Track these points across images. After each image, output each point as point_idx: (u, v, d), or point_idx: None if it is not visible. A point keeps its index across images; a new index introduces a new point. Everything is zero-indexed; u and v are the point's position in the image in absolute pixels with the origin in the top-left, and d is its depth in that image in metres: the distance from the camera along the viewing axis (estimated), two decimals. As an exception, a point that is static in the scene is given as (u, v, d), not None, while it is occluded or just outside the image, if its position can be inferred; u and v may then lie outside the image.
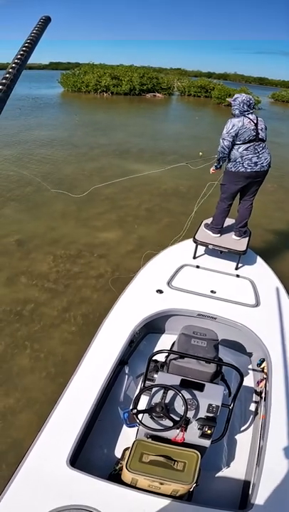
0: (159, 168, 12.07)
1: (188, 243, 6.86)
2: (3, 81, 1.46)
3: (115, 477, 3.46)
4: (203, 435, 3.57)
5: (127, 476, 3.28)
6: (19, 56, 1.64)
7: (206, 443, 3.58)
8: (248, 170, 6.28)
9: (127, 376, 4.92)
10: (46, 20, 1.93)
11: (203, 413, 3.69)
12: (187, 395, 3.76)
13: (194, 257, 6.67)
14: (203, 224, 7.25)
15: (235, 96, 6.30)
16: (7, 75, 1.49)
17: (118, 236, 10.23)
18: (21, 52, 1.66)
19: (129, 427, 4.03)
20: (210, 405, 3.72)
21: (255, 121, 6.12)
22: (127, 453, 3.41)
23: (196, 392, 3.82)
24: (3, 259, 8.82)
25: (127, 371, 4.96)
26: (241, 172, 6.32)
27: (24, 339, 6.51)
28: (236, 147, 6.22)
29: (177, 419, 3.60)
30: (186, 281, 5.90)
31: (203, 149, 7.43)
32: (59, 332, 6.71)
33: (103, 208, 12.04)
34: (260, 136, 6.16)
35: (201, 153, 7.24)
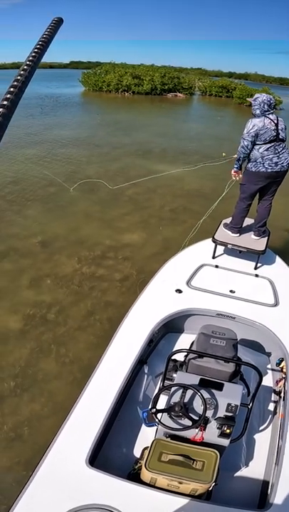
0: (180, 168, 11.97)
1: (208, 243, 6.82)
2: (15, 83, 1.47)
3: (134, 476, 3.48)
4: (222, 434, 3.57)
5: (146, 475, 3.29)
6: (31, 58, 1.66)
7: (224, 442, 3.59)
8: (269, 170, 6.24)
9: (146, 376, 4.93)
10: (58, 22, 1.95)
11: (222, 412, 3.69)
12: (206, 395, 3.77)
13: (213, 257, 6.65)
14: (222, 224, 7.20)
15: (256, 96, 6.26)
16: (18, 77, 1.52)
17: (142, 238, 10.11)
18: (33, 54, 1.68)
19: (148, 426, 4.02)
20: (229, 405, 3.73)
21: (276, 122, 6.09)
22: (146, 452, 3.42)
23: (215, 392, 3.83)
24: (27, 260, 8.75)
25: (146, 371, 4.97)
26: (262, 172, 6.29)
27: (49, 343, 6.42)
28: (257, 147, 6.19)
29: (196, 418, 3.59)
30: (205, 281, 5.90)
31: (226, 150, 7.34)
32: (85, 336, 6.61)
33: (127, 209, 11.94)
34: (280, 137, 6.14)
35: (224, 154, 7.15)
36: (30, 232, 10.01)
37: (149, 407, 3.83)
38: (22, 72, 1.55)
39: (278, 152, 6.18)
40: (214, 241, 6.62)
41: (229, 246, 6.59)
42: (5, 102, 1.38)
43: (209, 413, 3.66)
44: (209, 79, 59.24)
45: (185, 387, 3.79)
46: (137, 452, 4.01)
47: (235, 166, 6.60)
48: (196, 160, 17.17)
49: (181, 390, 3.82)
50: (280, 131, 6.11)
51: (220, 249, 6.77)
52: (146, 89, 47.37)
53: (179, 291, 5.59)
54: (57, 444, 3.48)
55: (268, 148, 6.14)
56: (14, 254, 8.96)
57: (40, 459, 3.38)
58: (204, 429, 3.55)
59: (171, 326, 5.54)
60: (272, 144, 6.13)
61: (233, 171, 6.71)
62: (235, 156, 6.51)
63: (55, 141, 20.23)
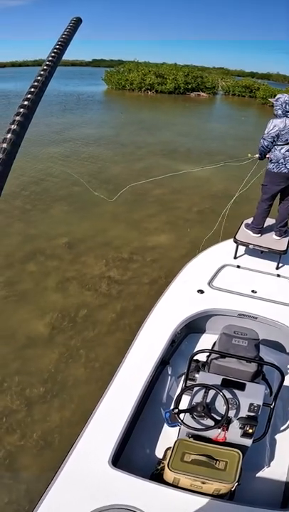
0: (207, 169, 11.82)
1: (229, 243, 6.85)
2: (35, 84, 1.49)
3: (157, 477, 3.51)
4: (245, 434, 3.60)
5: (169, 475, 3.32)
6: (50, 58, 1.67)
7: (247, 442, 3.62)
8: None
9: (168, 376, 4.97)
10: (77, 22, 1.96)
11: (244, 412, 3.71)
12: (228, 395, 3.78)
13: (235, 257, 6.69)
14: (243, 224, 7.22)
15: (278, 96, 6.25)
16: (39, 77, 1.52)
17: (170, 240, 9.97)
18: (52, 54, 1.69)
19: (171, 426, 4.03)
20: (251, 404, 3.75)
21: None
22: (169, 452, 3.44)
23: (237, 392, 3.85)
24: (54, 262, 8.67)
25: (168, 371, 5.00)
26: (284, 173, 6.35)
27: (78, 348, 6.32)
28: (278, 148, 6.24)
29: (218, 418, 3.62)
30: (226, 281, 5.95)
31: (251, 150, 7.29)
32: (114, 340, 6.50)
33: (153, 210, 11.80)
34: None
35: (249, 155, 7.11)
36: (56, 233, 9.92)
37: (172, 407, 3.93)
38: (42, 73, 1.55)
39: None
40: (236, 241, 6.67)
41: (251, 246, 6.65)
42: (26, 103, 1.39)
43: (231, 413, 3.67)
44: (232, 78, 59.05)
45: (207, 388, 3.81)
46: (159, 452, 4.02)
47: (259, 156, 6.67)
48: (220, 160, 17.02)
49: (203, 390, 3.83)
50: None
51: (241, 249, 6.79)
52: (169, 88, 47.20)
53: (200, 291, 5.64)
54: (80, 444, 3.51)
55: None
56: (40, 256, 8.87)
57: (64, 459, 3.40)
58: (227, 429, 3.58)
59: (193, 327, 5.56)
60: None
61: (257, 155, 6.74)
62: (257, 156, 6.65)
63: (78, 140, 20.15)
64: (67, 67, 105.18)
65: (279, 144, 6.20)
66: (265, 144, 6.25)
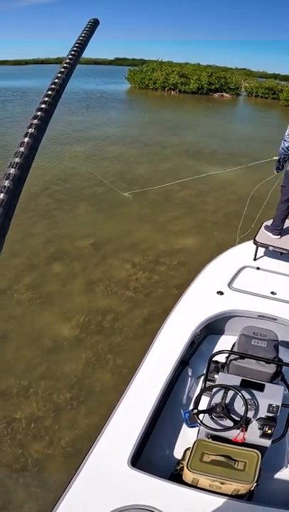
0: (233, 171, 11.72)
1: (249, 245, 6.87)
2: (53, 86, 1.50)
3: (176, 477, 3.51)
4: (264, 435, 3.61)
5: (188, 475, 3.33)
6: (68, 60, 1.67)
7: (266, 443, 3.62)
8: None
9: (188, 377, 4.98)
10: (94, 24, 1.97)
11: (263, 413, 3.73)
12: (247, 395, 3.80)
13: (255, 259, 6.67)
14: (263, 226, 7.20)
15: None
16: (56, 80, 1.54)
17: (197, 242, 9.84)
18: (70, 56, 1.70)
19: (190, 427, 4.04)
20: (270, 405, 3.76)
21: None
22: (188, 453, 3.46)
23: (256, 392, 3.87)
24: (79, 264, 8.59)
25: (188, 372, 5.02)
26: None
27: (106, 352, 6.23)
28: None
29: (237, 419, 3.63)
30: (246, 283, 5.96)
31: (275, 153, 7.23)
32: (141, 346, 6.33)
33: (179, 212, 11.67)
34: None
35: (275, 158, 7.06)
36: (81, 234, 9.85)
37: (191, 407, 3.96)
38: (59, 75, 1.57)
39: None
40: (255, 243, 6.69)
41: (270, 248, 6.66)
42: (43, 106, 1.40)
43: (250, 414, 3.69)
44: (254, 80, 59.00)
45: (226, 388, 3.84)
46: (178, 453, 4.01)
47: (276, 166, 6.67)
48: (245, 162, 16.85)
49: (222, 391, 3.86)
50: None
51: (261, 251, 6.78)
52: (192, 89, 47.18)
53: (220, 292, 5.66)
54: (99, 444, 3.54)
55: None
56: (66, 257, 8.80)
57: (83, 459, 3.42)
58: (246, 430, 3.58)
59: (213, 328, 5.56)
60: None
61: (274, 170, 6.75)
62: (276, 158, 6.62)
63: (102, 139, 20.12)
64: (90, 65, 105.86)
65: None
66: (286, 145, 6.25)
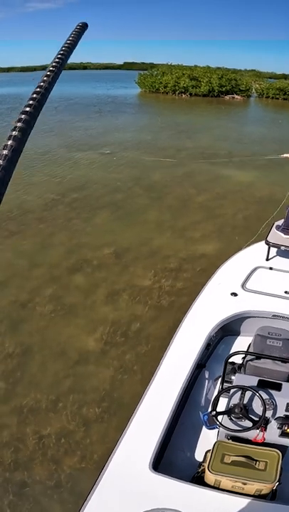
0: (250, 173, 11.65)
1: (261, 246, 7.04)
2: (38, 90, 1.49)
3: (198, 479, 3.56)
4: (283, 434, 3.65)
5: (209, 477, 3.37)
6: (54, 63, 1.67)
7: (286, 442, 3.66)
8: None
9: (205, 379, 5.03)
10: (83, 27, 1.97)
11: (282, 412, 3.78)
12: (265, 395, 3.85)
13: (267, 259, 6.80)
14: (274, 226, 7.38)
15: None
16: (42, 83, 1.53)
17: (218, 248, 9.73)
18: (57, 60, 1.69)
19: (210, 429, 4.02)
20: (288, 404, 3.82)
21: None
22: (209, 455, 3.49)
23: (274, 392, 3.93)
24: (101, 273, 8.55)
25: (205, 374, 5.07)
26: None
27: (133, 363, 6.17)
28: None
29: (256, 419, 3.68)
30: (260, 283, 6.07)
31: None
32: (168, 356, 6.34)
33: (198, 217, 11.58)
34: None
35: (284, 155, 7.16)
36: (101, 242, 9.80)
37: (209, 409, 3.92)
38: (45, 79, 1.56)
39: None
40: (267, 243, 6.85)
41: (282, 248, 6.83)
42: (27, 109, 1.39)
43: (269, 413, 3.74)
44: (264, 81, 59.14)
45: (244, 389, 3.90)
46: (200, 455, 4.06)
47: None
48: (263, 164, 16.75)
49: (240, 392, 3.92)
50: None
51: (273, 251, 6.91)
52: (203, 91, 47.29)
53: (234, 294, 5.77)
54: (120, 450, 3.61)
55: None
56: (87, 267, 8.76)
57: (104, 465, 3.48)
58: (265, 430, 3.63)
59: (228, 329, 5.64)
60: None
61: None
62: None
63: (117, 144, 20.13)
64: (100, 70, 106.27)
65: None
66: None
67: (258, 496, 3.28)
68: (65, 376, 5.95)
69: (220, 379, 4.56)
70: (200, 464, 3.76)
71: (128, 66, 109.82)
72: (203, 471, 3.49)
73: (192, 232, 10.58)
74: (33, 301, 7.56)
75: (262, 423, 3.61)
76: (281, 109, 41.94)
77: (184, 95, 47.35)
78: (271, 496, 3.38)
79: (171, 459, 4.02)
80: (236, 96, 49.71)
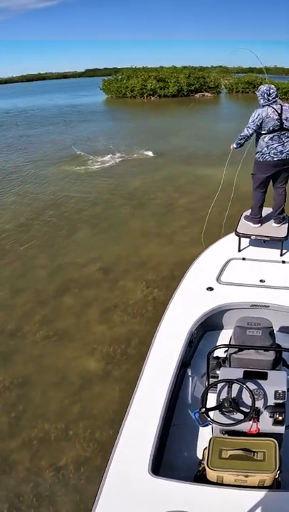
0: (233, 172, 11.58)
1: (231, 237, 7.29)
2: None
3: (201, 478, 3.59)
4: (276, 422, 3.72)
5: (211, 474, 3.41)
6: None
7: (280, 429, 3.71)
8: (275, 159, 6.82)
9: (191, 377, 5.11)
10: None
11: (271, 401, 3.85)
12: (252, 386, 3.93)
13: (239, 250, 7.03)
14: (243, 216, 7.69)
15: (259, 87, 6.93)
16: None
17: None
18: None
19: (203, 426, 4.08)
20: (276, 392, 3.89)
21: (280, 111, 6.59)
22: (206, 452, 3.54)
23: (261, 382, 4.00)
24: (90, 291, 8.43)
25: (189, 373, 5.14)
26: (268, 161, 6.87)
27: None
28: (262, 137, 6.78)
29: (247, 410, 3.74)
30: (234, 275, 6.25)
31: None
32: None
33: (184, 221, 11.57)
34: (284, 126, 6.66)
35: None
36: (86, 259, 9.71)
37: (199, 407, 3.97)
38: None
39: (283, 141, 6.74)
40: (237, 234, 7.08)
41: (252, 237, 7.08)
42: None
43: (259, 403, 3.80)
44: (232, 76, 60.39)
45: (230, 382, 3.96)
46: (198, 453, 4.13)
47: (234, 146, 7.11)
48: (243, 160, 16.75)
49: (227, 386, 3.97)
50: (284, 121, 6.62)
51: (244, 241, 7.13)
52: (172, 92, 48.04)
53: (210, 288, 5.89)
54: (116, 460, 3.62)
55: (272, 137, 6.71)
56: (74, 287, 8.64)
57: (102, 477, 3.49)
58: (258, 420, 3.70)
59: (209, 324, 5.74)
60: (276, 133, 6.68)
61: (231, 146, 7.24)
62: (233, 146, 7.17)
63: (88, 155, 20.05)
64: (59, 80, 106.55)
65: (262, 132, 6.72)
66: (250, 132, 6.75)
67: (263, 487, 3.35)
68: (70, 403, 5.83)
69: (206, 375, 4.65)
70: (200, 462, 3.79)
71: (90, 73, 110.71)
72: (204, 469, 3.53)
73: (180, 237, 10.57)
74: (22, 330, 7.41)
75: (253, 414, 3.68)
76: (252, 102, 42.24)
77: (152, 97, 47.91)
78: (276, 485, 3.46)
79: (171, 461, 4.10)
80: (206, 93, 50.79)
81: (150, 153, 19.96)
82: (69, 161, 19.17)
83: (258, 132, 6.80)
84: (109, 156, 19.74)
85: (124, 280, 8.75)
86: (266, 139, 6.75)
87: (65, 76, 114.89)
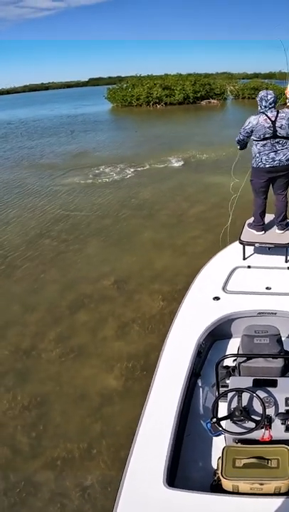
0: (242, 178, 11.63)
1: (235, 246, 7.34)
2: None
3: (217, 487, 3.63)
4: (288, 429, 3.74)
5: (226, 484, 3.44)
6: None
7: None
8: (267, 165, 6.92)
9: (202, 387, 5.17)
10: None
11: (282, 408, 3.90)
12: (262, 394, 3.98)
13: (244, 258, 7.10)
14: (246, 224, 7.74)
15: (259, 92, 7.05)
16: None
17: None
18: None
19: (216, 435, 4.09)
20: (287, 399, 3.95)
21: (274, 119, 6.66)
22: (220, 461, 3.58)
23: (271, 389, 4.06)
24: (106, 307, 8.43)
25: (200, 383, 5.20)
26: (261, 168, 6.98)
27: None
28: (255, 143, 6.93)
29: (258, 418, 3.77)
30: (240, 283, 6.32)
31: None
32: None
33: (197, 231, 11.59)
34: (278, 134, 6.73)
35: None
36: (99, 274, 9.72)
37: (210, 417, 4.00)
38: None
39: (276, 149, 6.83)
40: (241, 242, 7.14)
41: (257, 245, 7.17)
42: None
43: (270, 411, 3.86)
44: (237, 82, 60.93)
45: (240, 391, 4.02)
46: (213, 463, 4.15)
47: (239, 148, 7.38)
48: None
49: (237, 395, 4.03)
50: (277, 129, 6.69)
51: (248, 249, 7.19)
52: (178, 99, 48.39)
53: (216, 298, 5.96)
54: (130, 474, 3.64)
55: (264, 144, 6.82)
56: (89, 303, 8.63)
57: (117, 492, 3.50)
58: (270, 428, 3.73)
59: (218, 334, 5.79)
60: (268, 141, 6.78)
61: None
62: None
63: (96, 166, 20.18)
64: (63, 89, 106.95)
65: (255, 139, 6.87)
66: (241, 138, 7.02)
67: (280, 494, 3.36)
68: (92, 421, 5.82)
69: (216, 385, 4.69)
70: (215, 472, 3.85)
71: (94, 82, 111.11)
72: (219, 479, 3.56)
73: (193, 248, 10.58)
74: (37, 348, 7.41)
75: (265, 421, 3.72)
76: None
77: (158, 106, 48.19)
78: None
79: (186, 472, 4.13)
80: (212, 100, 51.08)
81: (158, 163, 20.01)
82: (76, 172, 19.29)
83: (253, 138, 6.96)
84: (116, 166, 19.84)
85: (140, 294, 8.75)
86: (258, 146, 6.89)
87: (68, 85, 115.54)
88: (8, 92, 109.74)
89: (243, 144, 7.22)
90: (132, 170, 19.15)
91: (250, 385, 4.12)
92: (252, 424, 3.75)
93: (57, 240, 11.98)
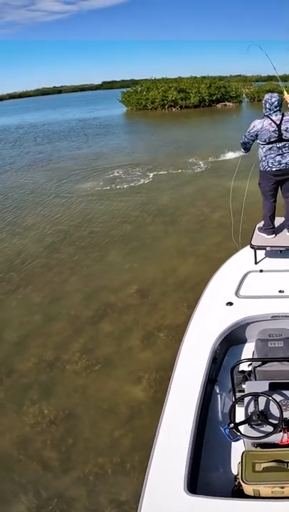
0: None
1: (247, 250, 7.42)
2: None
3: (238, 492, 3.66)
4: None
5: (247, 488, 3.49)
6: None
7: None
8: (273, 169, 7.05)
9: (219, 393, 5.19)
10: None
11: None
12: (279, 397, 4.07)
13: (256, 263, 7.16)
14: (256, 228, 7.85)
15: (265, 95, 7.21)
16: None
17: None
18: None
19: (235, 441, 4.16)
20: None
21: (278, 122, 6.77)
22: (240, 466, 3.64)
23: (287, 392, 4.17)
24: (129, 316, 8.37)
25: (217, 389, 5.22)
26: (268, 171, 7.11)
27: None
28: (261, 146, 7.05)
29: (276, 422, 3.81)
30: (253, 288, 6.37)
31: None
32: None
33: (220, 237, 11.42)
34: (284, 137, 6.83)
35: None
36: (121, 282, 9.67)
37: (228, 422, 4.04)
38: None
39: (282, 152, 6.94)
40: (252, 247, 7.24)
41: (268, 248, 7.28)
42: None
43: (288, 414, 3.89)
44: (252, 85, 60.95)
45: (257, 396, 4.07)
46: (233, 468, 4.18)
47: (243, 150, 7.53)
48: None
49: (254, 399, 4.09)
50: (283, 132, 6.79)
51: (260, 253, 7.29)
52: (194, 102, 48.60)
53: (229, 303, 6.00)
54: (150, 481, 3.65)
55: (270, 148, 6.93)
56: (112, 312, 8.58)
57: (138, 501, 3.51)
58: (288, 430, 3.77)
59: (233, 339, 5.81)
60: (274, 144, 6.90)
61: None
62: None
63: (112, 170, 20.27)
64: (76, 92, 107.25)
65: (260, 143, 6.99)
66: (246, 140, 7.18)
67: None
68: (122, 434, 5.76)
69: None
70: (235, 477, 3.87)
71: (107, 85, 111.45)
72: (240, 484, 3.59)
73: (217, 254, 10.32)
74: (61, 359, 7.35)
75: (283, 425, 3.76)
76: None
77: (173, 109, 48.42)
78: None
79: (206, 478, 4.14)
80: (228, 103, 51.30)
81: (176, 167, 19.97)
82: (93, 177, 19.32)
83: (258, 142, 7.05)
84: (134, 170, 19.89)
85: (164, 303, 8.69)
86: (264, 150, 6.99)
87: (81, 89, 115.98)
88: (20, 95, 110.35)
89: (248, 147, 7.35)
90: (150, 174, 19.16)
91: (267, 388, 4.22)
92: (270, 428, 3.81)
93: (76, 247, 11.96)
